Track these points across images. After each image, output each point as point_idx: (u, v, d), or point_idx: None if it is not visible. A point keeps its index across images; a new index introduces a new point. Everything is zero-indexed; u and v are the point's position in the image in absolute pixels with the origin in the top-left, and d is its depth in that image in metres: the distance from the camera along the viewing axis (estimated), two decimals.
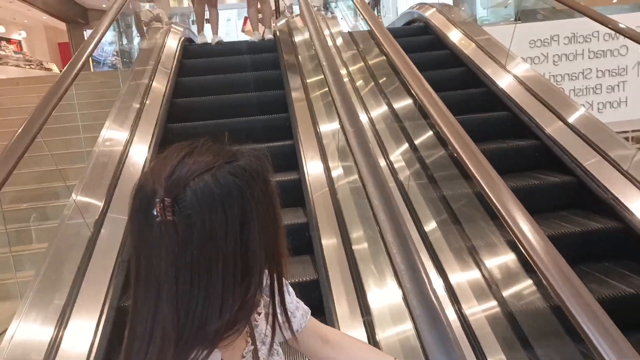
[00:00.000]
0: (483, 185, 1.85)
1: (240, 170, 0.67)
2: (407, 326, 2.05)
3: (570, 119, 3.48)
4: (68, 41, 15.75)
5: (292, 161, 3.53)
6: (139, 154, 3.53)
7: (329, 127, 3.61)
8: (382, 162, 3.15)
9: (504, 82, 4.08)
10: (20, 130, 2.46)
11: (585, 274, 2.57)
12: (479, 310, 2.26)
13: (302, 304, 1.02)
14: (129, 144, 3.56)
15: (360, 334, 2.13)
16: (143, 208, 0.66)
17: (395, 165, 3.19)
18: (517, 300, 2.27)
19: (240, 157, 0.70)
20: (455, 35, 5.10)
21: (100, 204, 2.87)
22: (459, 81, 4.40)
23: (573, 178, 3.14)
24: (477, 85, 4.28)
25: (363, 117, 3.52)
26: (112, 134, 3.61)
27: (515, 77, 4.07)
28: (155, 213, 0.64)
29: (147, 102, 4.13)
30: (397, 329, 2.13)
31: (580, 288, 1.39)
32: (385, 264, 2.32)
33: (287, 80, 4.50)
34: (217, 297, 0.66)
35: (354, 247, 2.58)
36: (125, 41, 6.04)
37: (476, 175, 1.91)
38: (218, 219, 0.64)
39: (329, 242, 2.66)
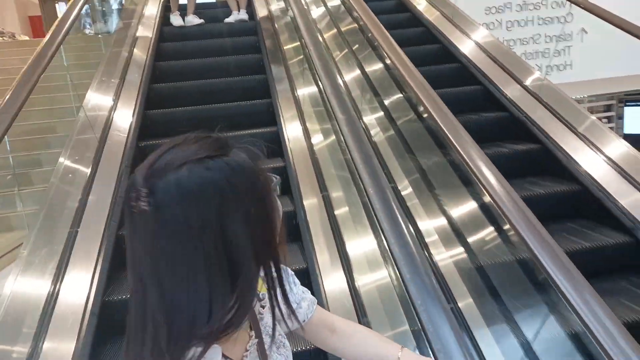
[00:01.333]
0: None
1: (221, 165, 0.62)
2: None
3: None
4: (40, 14, 14.50)
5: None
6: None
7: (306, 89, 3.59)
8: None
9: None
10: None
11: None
12: (446, 256, 2.32)
13: (308, 294, 0.98)
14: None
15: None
16: (126, 196, 0.63)
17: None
18: (484, 247, 2.33)
19: (228, 151, 0.65)
20: None
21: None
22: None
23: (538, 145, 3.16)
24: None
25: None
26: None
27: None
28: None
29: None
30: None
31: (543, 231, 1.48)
32: (373, 240, 2.28)
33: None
34: (204, 293, 0.62)
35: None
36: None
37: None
38: (191, 213, 0.60)
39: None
